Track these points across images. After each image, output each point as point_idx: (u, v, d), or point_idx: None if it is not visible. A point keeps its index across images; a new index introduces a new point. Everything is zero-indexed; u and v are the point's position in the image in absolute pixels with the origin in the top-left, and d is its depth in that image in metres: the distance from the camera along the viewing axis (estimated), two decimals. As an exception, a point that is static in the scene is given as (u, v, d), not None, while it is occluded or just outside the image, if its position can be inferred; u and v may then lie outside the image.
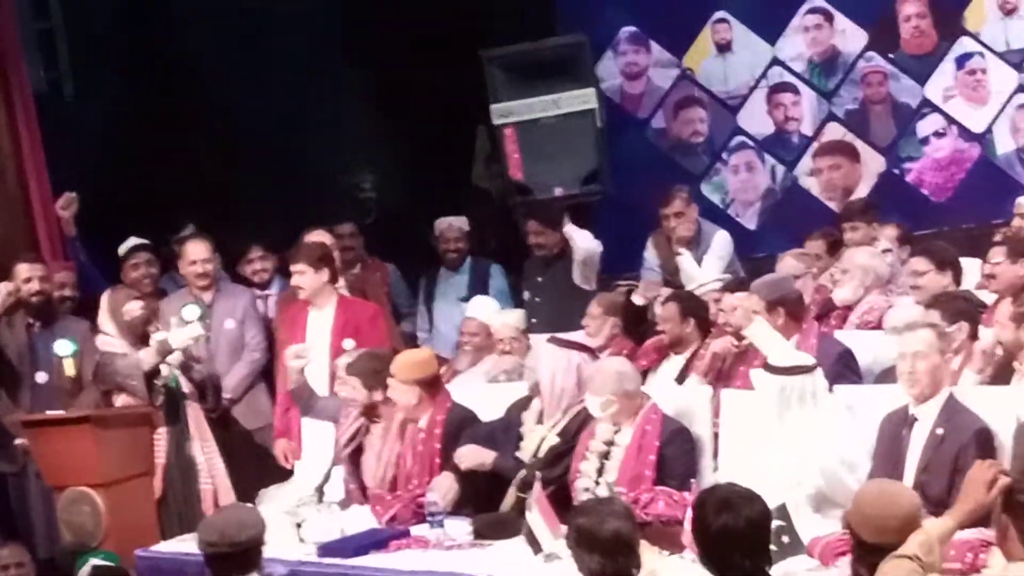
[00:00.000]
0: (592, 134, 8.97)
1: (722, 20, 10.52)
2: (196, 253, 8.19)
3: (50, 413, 7.18)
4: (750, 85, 10.45)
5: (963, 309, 6.42)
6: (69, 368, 7.41)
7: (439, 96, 10.19)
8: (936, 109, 9.84)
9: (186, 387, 7.34)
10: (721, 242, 8.67)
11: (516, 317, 8.13)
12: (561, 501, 5.88)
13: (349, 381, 6.97)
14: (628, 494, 5.68)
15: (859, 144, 10.12)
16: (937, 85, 9.82)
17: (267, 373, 8.18)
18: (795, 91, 10.32)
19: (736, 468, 5.81)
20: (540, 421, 6.53)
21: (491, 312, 8.23)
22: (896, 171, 10.00)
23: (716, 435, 6.32)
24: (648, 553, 4.92)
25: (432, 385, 6.80)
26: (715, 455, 6.27)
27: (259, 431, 8.07)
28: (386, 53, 10.56)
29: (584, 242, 8.65)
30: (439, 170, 10.44)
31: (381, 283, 9.26)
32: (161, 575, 6.50)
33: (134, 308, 7.36)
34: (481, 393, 7.17)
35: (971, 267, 7.52)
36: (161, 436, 7.18)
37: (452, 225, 9.44)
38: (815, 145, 10.27)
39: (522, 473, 6.28)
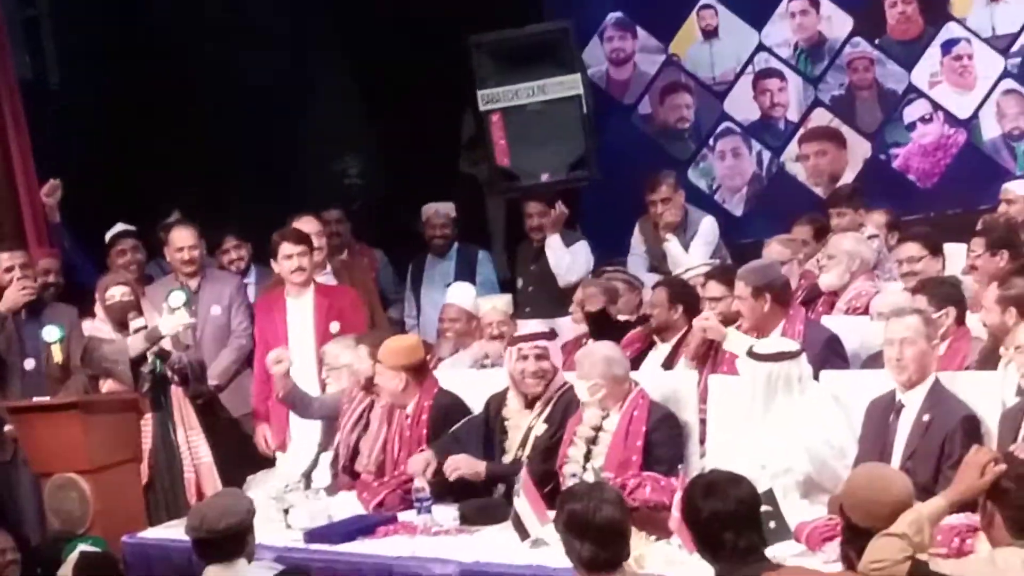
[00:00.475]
0: (578, 120, 8.98)
1: (708, 6, 10.51)
2: (182, 240, 8.18)
3: (37, 400, 7.16)
4: (736, 71, 10.44)
5: (950, 295, 6.44)
6: (57, 354, 7.38)
7: (425, 82, 10.16)
8: (922, 95, 9.83)
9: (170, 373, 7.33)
10: (708, 228, 8.69)
11: (504, 302, 8.12)
12: (551, 491, 5.87)
13: (357, 352, 6.96)
14: (615, 479, 5.66)
15: (845, 130, 10.11)
16: (923, 71, 9.82)
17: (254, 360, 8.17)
18: (781, 77, 10.31)
19: (723, 454, 5.83)
20: (530, 406, 6.52)
21: (471, 298, 8.18)
22: (882, 157, 10.00)
23: (703, 421, 6.33)
24: (635, 538, 4.92)
25: (419, 371, 6.79)
26: (702, 441, 6.28)
27: (246, 417, 8.05)
28: (372, 39, 10.54)
29: (558, 265, 8.66)
30: (425, 156, 10.42)
31: (368, 269, 9.25)
32: (148, 561, 6.49)
33: (115, 293, 7.35)
34: (469, 380, 7.15)
35: (957, 253, 7.52)
36: (148, 422, 7.17)
37: (438, 211, 9.42)
38: (801, 131, 10.26)
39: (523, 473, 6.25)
